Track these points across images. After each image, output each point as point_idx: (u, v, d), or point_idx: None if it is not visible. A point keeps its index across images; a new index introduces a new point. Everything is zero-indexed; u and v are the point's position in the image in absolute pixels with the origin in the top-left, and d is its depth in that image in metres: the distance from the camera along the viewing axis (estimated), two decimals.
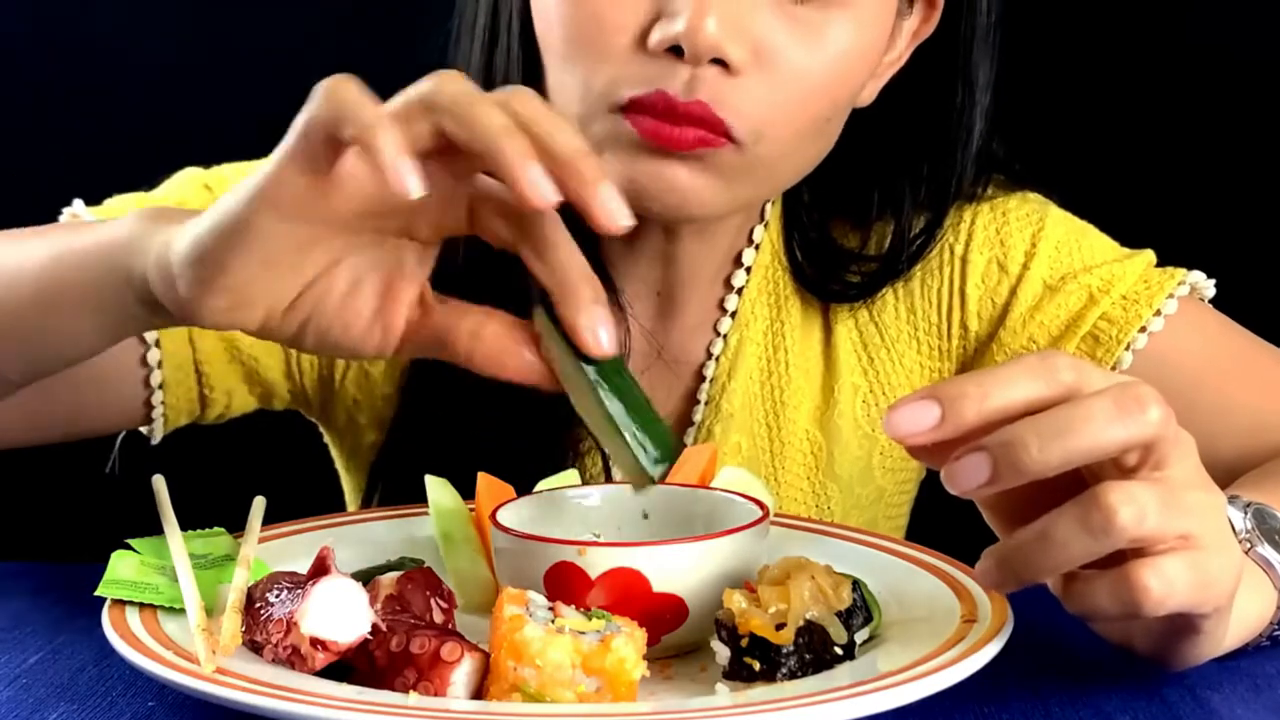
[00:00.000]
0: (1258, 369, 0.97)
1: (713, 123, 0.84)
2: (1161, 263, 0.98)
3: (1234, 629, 0.70)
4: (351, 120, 0.62)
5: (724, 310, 1.01)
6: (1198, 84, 1.42)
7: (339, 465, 1.09)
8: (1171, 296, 0.95)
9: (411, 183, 0.60)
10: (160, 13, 1.50)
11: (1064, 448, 0.59)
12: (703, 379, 1.01)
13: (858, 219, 1.00)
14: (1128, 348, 0.94)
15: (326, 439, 1.09)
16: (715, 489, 0.81)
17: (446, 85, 0.63)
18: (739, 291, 1.01)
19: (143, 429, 0.99)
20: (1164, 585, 0.61)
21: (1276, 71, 1.41)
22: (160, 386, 0.95)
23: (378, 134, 0.61)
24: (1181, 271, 0.97)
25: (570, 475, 0.90)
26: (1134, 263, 0.97)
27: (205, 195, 0.98)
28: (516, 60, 0.93)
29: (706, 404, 1.01)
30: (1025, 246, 0.98)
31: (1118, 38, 1.43)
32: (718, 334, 1.01)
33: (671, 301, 1.01)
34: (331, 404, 1.03)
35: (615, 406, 0.66)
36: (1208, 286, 0.98)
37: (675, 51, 0.84)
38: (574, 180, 0.62)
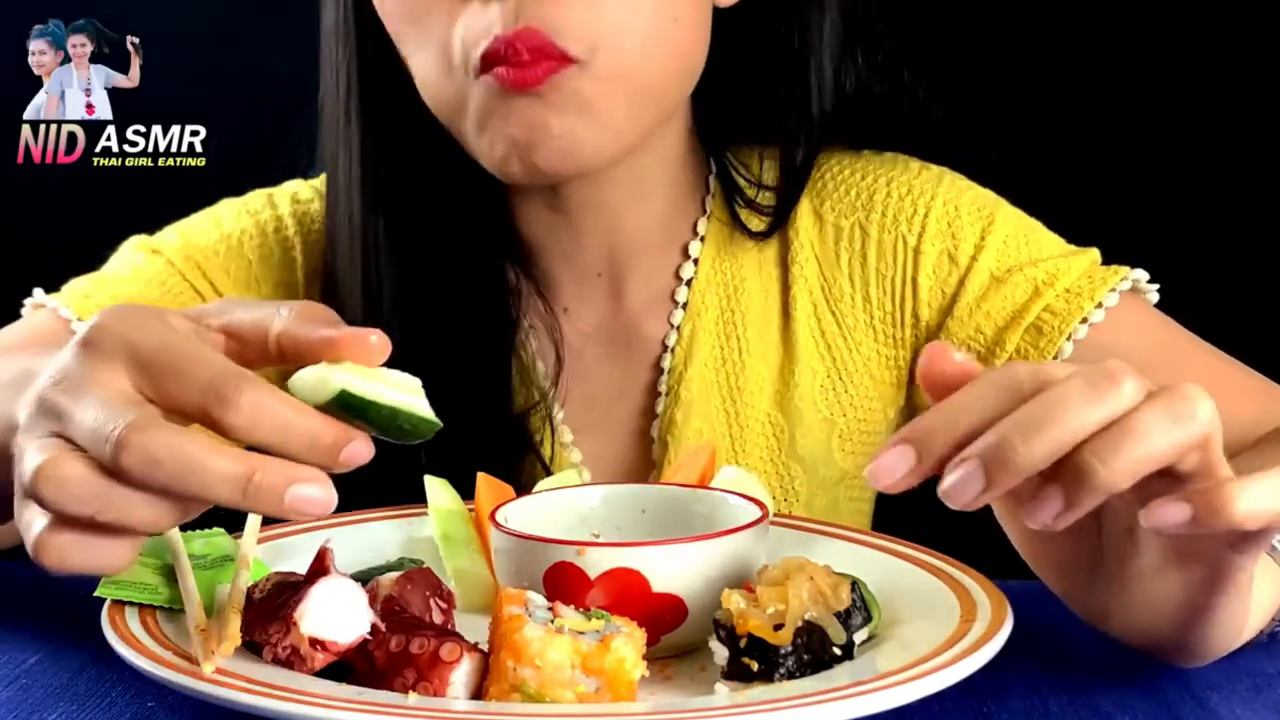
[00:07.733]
0: (1197, 365, 0.97)
1: (548, 49, 0.87)
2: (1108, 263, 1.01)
3: (1252, 616, 0.70)
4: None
5: (675, 303, 1.04)
6: (1151, 81, 1.42)
7: None
8: (1114, 290, 0.98)
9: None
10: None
11: (1049, 438, 0.59)
12: (660, 371, 1.04)
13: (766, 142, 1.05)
14: (1069, 338, 0.97)
15: None
16: (715, 489, 0.81)
17: (159, 447, 0.58)
18: (689, 284, 1.04)
19: None
20: None
21: (1227, 67, 1.41)
22: None
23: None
24: (1125, 269, 1.00)
25: (570, 475, 0.90)
26: (1079, 259, 1.00)
27: (155, 260, 1.02)
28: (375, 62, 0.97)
29: (667, 394, 1.03)
30: (975, 239, 1.01)
31: (1069, 31, 1.43)
32: (671, 326, 1.04)
33: (616, 282, 1.04)
34: None
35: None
36: (1150, 290, 1.00)
37: None
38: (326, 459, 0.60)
